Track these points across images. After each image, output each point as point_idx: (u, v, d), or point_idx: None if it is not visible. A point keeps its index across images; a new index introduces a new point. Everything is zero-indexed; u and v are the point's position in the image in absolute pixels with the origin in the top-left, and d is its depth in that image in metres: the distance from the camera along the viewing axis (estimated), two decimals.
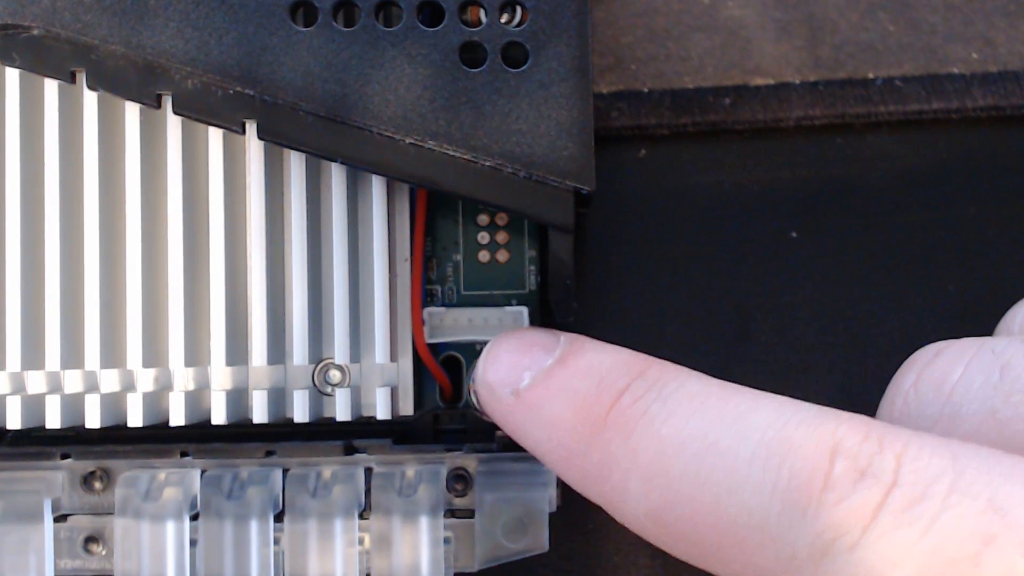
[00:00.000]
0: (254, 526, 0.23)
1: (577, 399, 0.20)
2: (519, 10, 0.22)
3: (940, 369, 0.20)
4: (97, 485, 0.24)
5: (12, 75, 0.24)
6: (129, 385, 0.24)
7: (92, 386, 0.24)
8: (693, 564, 0.19)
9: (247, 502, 0.23)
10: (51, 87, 0.24)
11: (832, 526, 0.16)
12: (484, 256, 0.26)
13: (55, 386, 0.24)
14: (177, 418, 0.23)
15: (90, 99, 0.24)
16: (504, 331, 0.23)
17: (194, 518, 0.23)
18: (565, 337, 0.21)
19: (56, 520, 0.24)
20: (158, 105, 0.22)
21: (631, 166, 0.27)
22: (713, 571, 0.18)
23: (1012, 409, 0.18)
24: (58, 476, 0.24)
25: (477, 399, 0.22)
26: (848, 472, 0.16)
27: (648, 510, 0.18)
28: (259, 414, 0.24)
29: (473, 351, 0.26)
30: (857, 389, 0.27)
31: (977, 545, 0.15)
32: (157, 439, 0.24)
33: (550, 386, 0.20)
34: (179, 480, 0.23)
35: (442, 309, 0.26)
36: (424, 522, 0.23)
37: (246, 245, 0.24)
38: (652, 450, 0.18)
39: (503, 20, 0.22)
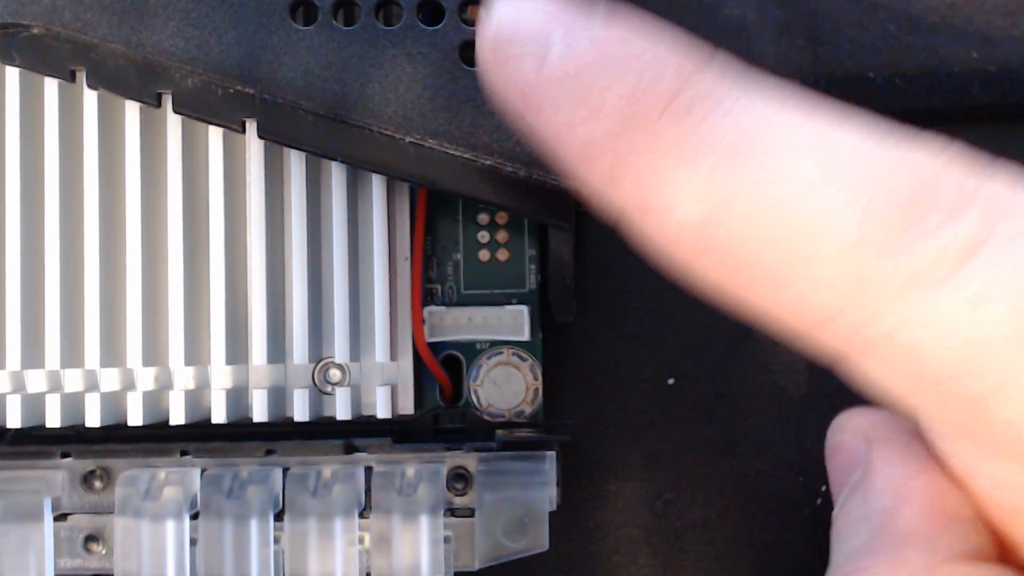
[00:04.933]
0: (254, 525, 0.23)
1: (631, 74, 0.16)
2: None
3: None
4: (97, 484, 0.24)
5: (12, 74, 0.24)
6: (129, 384, 0.24)
7: (92, 385, 0.24)
8: (725, 292, 0.16)
9: (247, 501, 0.23)
10: (51, 86, 0.24)
11: (924, 255, 0.14)
12: (484, 255, 0.26)
13: (55, 385, 0.24)
14: (177, 417, 0.23)
15: (90, 98, 0.24)
16: None
17: (194, 517, 0.23)
18: (604, 5, 0.17)
19: (56, 519, 0.24)
20: (158, 104, 0.22)
21: None
22: (753, 298, 0.16)
23: None
24: (58, 475, 0.24)
25: (481, 57, 0.17)
26: (952, 199, 0.15)
27: (701, 210, 0.15)
28: (259, 413, 0.24)
29: (473, 350, 0.26)
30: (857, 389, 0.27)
31: None
32: (157, 438, 0.24)
33: (594, 51, 0.16)
34: (179, 479, 0.23)
35: (442, 308, 0.26)
36: (424, 521, 0.23)
37: (246, 244, 0.24)
38: (723, 142, 0.15)
39: None
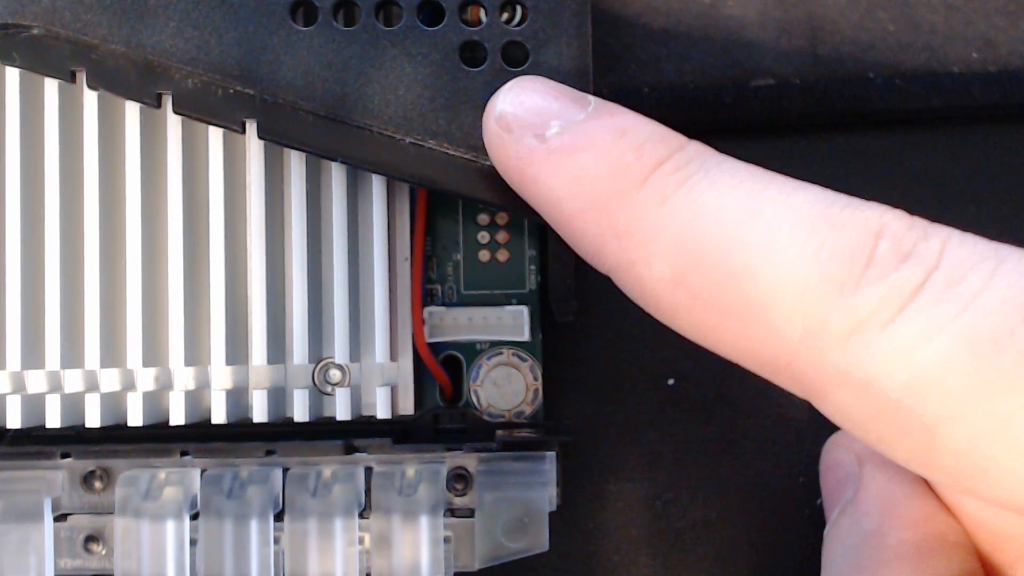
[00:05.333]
0: (254, 525, 0.23)
1: (614, 156, 0.19)
2: (519, 9, 0.22)
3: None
4: (97, 484, 0.24)
5: (12, 75, 0.24)
6: (129, 384, 0.24)
7: (92, 385, 0.24)
8: (701, 339, 0.18)
9: (247, 501, 0.23)
10: (51, 86, 0.24)
11: (869, 301, 0.16)
12: (484, 255, 0.26)
13: (55, 385, 0.24)
14: (177, 417, 0.23)
15: (90, 98, 0.24)
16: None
17: (194, 517, 0.23)
18: (595, 99, 0.20)
19: (56, 519, 0.24)
20: (158, 104, 0.22)
21: None
22: (724, 345, 0.18)
23: None
24: (58, 475, 0.24)
25: (488, 136, 0.21)
26: (892, 252, 0.16)
27: (674, 271, 0.18)
28: (259, 413, 0.24)
29: (473, 350, 0.26)
30: None
31: (1018, 320, 0.15)
32: (157, 438, 0.24)
33: (584, 136, 0.19)
34: (179, 479, 0.23)
35: (442, 308, 0.26)
36: (424, 521, 0.23)
37: (246, 245, 0.24)
38: (689, 214, 0.18)
39: (503, 19, 0.22)
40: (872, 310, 0.16)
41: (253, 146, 0.24)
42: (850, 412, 0.17)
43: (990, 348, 0.15)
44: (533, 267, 0.26)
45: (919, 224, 0.17)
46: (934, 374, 0.16)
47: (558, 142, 0.19)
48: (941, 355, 0.16)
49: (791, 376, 0.17)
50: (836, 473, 0.22)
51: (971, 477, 0.16)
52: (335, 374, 0.25)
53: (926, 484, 0.20)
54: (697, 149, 0.19)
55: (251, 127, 0.22)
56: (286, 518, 0.23)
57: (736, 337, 0.18)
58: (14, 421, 0.24)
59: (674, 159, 0.19)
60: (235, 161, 0.24)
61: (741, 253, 0.17)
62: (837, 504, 0.22)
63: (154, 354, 0.24)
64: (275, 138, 0.22)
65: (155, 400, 0.24)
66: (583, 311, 0.27)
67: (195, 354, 0.24)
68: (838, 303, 0.16)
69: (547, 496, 0.23)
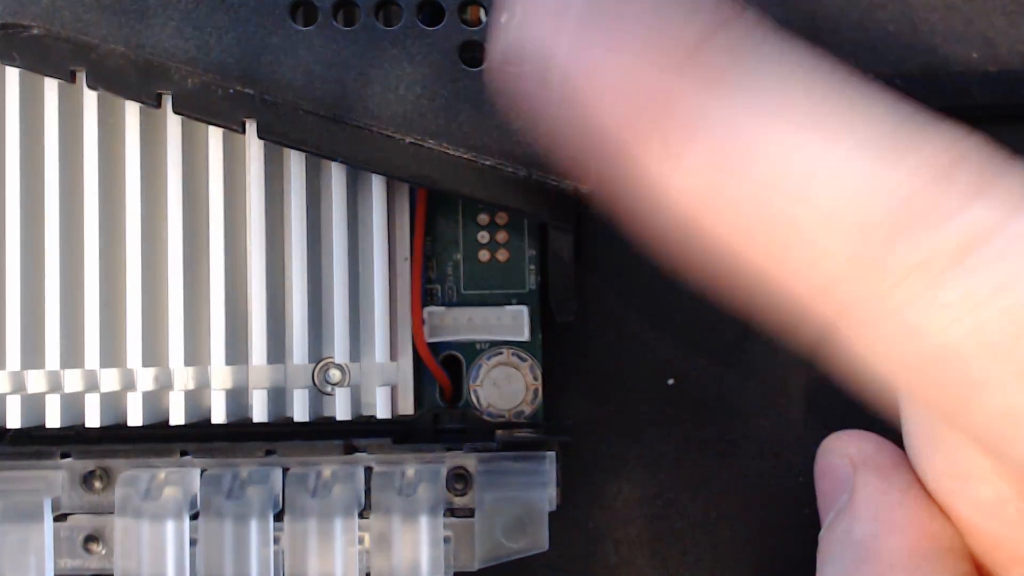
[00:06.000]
0: (254, 525, 0.23)
1: (656, 25, 0.16)
2: None
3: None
4: (97, 484, 0.24)
5: (12, 75, 0.24)
6: (129, 384, 0.24)
7: (92, 385, 0.24)
8: (723, 257, 0.16)
9: (247, 501, 0.23)
10: (51, 86, 0.24)
11: (935, 241, 0.14)
12: (484, 255, 0.26)
13: (55, 385, 0.24)
14: (177, 417, 0.23)
15: (90, 98, 0.24)
16: None
17: (194, 517, 0.23)
18: None
19: (56, 519, 0.24)
20: (158, 104, 0.22)
21: None
22: (752, 266, 0.16)
23: None
24: (58, 475, 0.24)
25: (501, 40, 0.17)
26: (967, 187, 0.14)
27: (708, 178, 0.15)
28: (259, 413, 0.24)
29: (473, 350, 0.26)
30: None
31: None
32: (157, 438, 0.24)
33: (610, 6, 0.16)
34: (179, 479, 0.23)
35: (442, 308, 0.26)
36: (424, 521, 0.23)
37: (246, 245, 0.24)
38: (735, 111, 0.15)
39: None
40: (937, 251, 0.14)
41: (253, 146, 0.24)
42: (884, 355, 0.15)
43: None
44: (533, 267, 0.26)
45: (1001, 156, 0.15)
46: (992, 333, 0.14)
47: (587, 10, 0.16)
48: (1004, 312, 0.14)
49: (828, 304, 0.15)
50: (830, 477, 0.22)
51: (1011, 441, 0.15)
52: (335, 374, 0.25)
53: (921, 488, 0.20)
54: (750, 24, 0.16)
55: (251, 127, 0.22)
56: (286, 518, 0.23)
57: (772, 258, 0.16)
58: (14, 421, 0.24)
59: (731, 27, 0.16)
60: (235, 161, 0.24)
61: (795, 168, 0.15)
62: (832, 509, 0.22)
63: (154, 354, 0.24)
64: (275, 138, 0.22)
65: (155, 400, 0.24)
66: (583, 311, 0.27)
67: (195, 354, 0.24)
68: (900, 237, 0.14)
69: (547, 496, 0.23)
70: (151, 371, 0.24)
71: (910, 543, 0.19)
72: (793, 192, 0.15)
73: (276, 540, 0.23)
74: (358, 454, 0.24)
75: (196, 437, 0.24)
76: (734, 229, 0.16)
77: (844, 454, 0.22)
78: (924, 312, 0.15)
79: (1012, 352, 0.14)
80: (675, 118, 0.15)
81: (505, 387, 0.26)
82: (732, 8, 0.16)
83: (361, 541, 0.23)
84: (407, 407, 0.25)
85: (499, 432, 0.24)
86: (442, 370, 0.26)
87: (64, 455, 0.24)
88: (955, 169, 0.15)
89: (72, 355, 0.24)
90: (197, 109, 0.22)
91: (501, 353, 0.26)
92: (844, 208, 0.15)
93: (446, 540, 0.23)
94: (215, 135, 0.24)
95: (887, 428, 0.23)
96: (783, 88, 0.15)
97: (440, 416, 0.26)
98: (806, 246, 0.15)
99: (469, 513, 0.23)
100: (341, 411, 0.24)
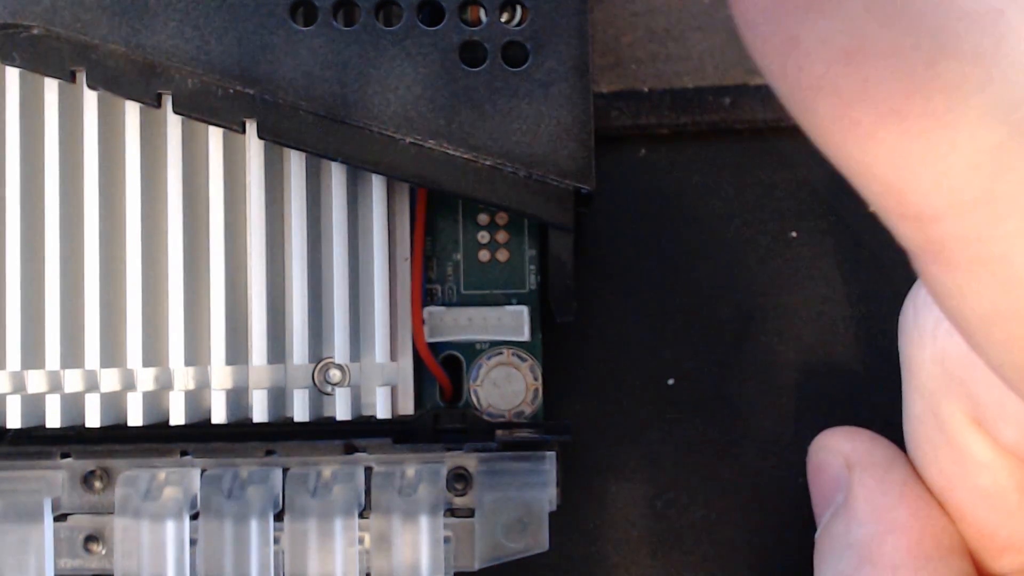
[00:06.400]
0: (254, 525, 0.23)
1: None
2: (519, 9, 0.22)
3: None
4: (97, 484, 0.24)
5: (12, 75, 0.24)
6: (129, 384, 0.24)
7: (92, 385, 0.24)
8: (843, 154, 0.14)
9: (247, 501, 0.23)
10: (51, 86, 0.24)
11: None
12: (484, 255, 0.26)
13: (55, 385, 0.24)
14: (177, 417, 0.23)
15: (90, 98, 0.24)
16: None
17: (194, 517, 0.23)
18: None
19: (56, 519, 0.24)
20: (158, 104, 0.22)
21: (631, 166, 0.27)
22: (867, 171, 0.14)
23: None
24: (58, 475, 0.24)
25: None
26: None
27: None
28: (259, 413, 0.24)
29: (473, 350, 0.26)
30: (857, 390, 0.27)
31: None
32: (157, 438, 0.24)
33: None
34: (179, 479, 0.23)
35: (442, 308, 0.26)
36: (424, 521, 0.23)
37: (246, 245, 0.24)
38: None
39: (503, 19, 0.22)
40: None
41: (253, 146, 0.24)
42: (979, 300, 0.14)
43: None
44: (533, 267, 0.26)
45: None
46: None
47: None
48: None
49: (933, 231, 0.13)
50: (824, 476, 0.22)
51: None
52: (335, 374, 0.25)
53: (917, 484, 0.20)
54: None
55: (251, 127, 0.22)
56: (286, 518, 0.23)
57: (893, 163, 0.13)
58: (14, 421, 0.24)
59: None
60: (235, 161, 0.24)
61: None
62: (827, 508, 0.21)
63: (154, 354, 0.24)
64: (275, 138, 0.22)
65: (155, 400, 0.24)
66: (583, 311, 0.27)
67: (195, 354, 0.24)
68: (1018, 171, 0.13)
69: (547, 496, 0.23)
70: (151, 371, 0.24)
71: (911, 543, 0.19)
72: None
73: (276, 540, 0.23)
74: (358, 454, 0.24)
75: (196, 437, 0.24)
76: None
77: (838, 452, 0.22)
78: None
79: None
80: None
81: (505, 387, 0.26)
82: None
83: (361, 541, 0.23)
84: (407, 407, 0.25)
85: (499, 432, 0.24)
86: (442, 370, 0.26)
87: (64, 455, 0.24)
88: None
89: (72, 355, 0.24)
90: (197, 109, 0.22)
91: (501, 353, 0.26)
92: (975, 122, 0.13)
93: (446, 540, 0.23)
94: (215, 135, 0.24)
95: (886, 424, 0.23)
96: None
97: (440, 416, 0.25)
98: (935, 160, 0.13)
99: (469, 513, 0.23)
100: (341, 411, 0.24)
